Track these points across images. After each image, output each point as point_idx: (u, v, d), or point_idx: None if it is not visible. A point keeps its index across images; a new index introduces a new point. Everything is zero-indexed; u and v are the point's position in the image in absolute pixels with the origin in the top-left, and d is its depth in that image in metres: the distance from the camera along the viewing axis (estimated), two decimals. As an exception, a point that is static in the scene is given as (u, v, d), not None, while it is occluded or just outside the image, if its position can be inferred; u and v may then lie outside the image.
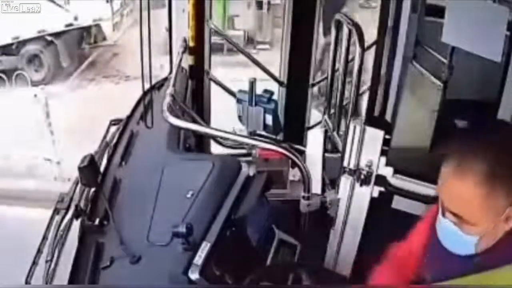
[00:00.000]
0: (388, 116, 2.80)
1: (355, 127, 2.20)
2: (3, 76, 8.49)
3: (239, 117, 2.69)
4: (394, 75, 2.76)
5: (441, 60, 2.73)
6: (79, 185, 1.90)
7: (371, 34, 2.42)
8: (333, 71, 2.89)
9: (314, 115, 3.22)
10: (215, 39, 2.91)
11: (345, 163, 2.26)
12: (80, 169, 1.71)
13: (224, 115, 2.82)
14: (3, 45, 8.70)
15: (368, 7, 11.75)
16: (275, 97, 2.56)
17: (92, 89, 8.90)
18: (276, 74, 2.98)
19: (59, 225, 1.79)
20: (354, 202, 2.28)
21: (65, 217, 1.81)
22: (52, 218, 1.83)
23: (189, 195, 1.74)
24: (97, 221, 1.79)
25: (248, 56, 3.07)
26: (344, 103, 2.61)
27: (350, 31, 2.57)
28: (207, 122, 2.73)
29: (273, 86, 2.63)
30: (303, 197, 2.04)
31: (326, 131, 2.95)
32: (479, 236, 1.19)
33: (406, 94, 2.78)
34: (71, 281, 1.62)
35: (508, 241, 1.19)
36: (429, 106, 2.80)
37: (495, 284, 1.18)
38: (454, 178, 1.16)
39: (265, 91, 2.57)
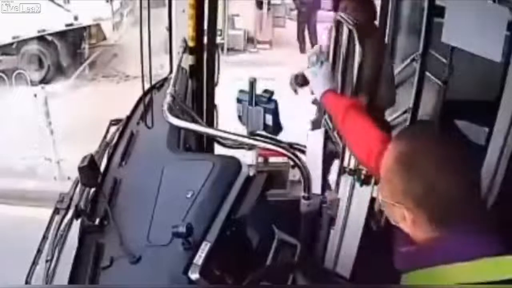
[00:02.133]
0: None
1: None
2: (3, 75, 8.49)
3: (239, 117, 2.69)
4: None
5: (441, 60, 2.74)
6: (79, 185, 1.90)
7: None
8: (333, 71, 2.89)
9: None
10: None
11: (345, 163, 2.26)
12: (80, 169, 1.71)
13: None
14: (3, 45, 8.70)
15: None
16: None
17: (92, 89, 8.90)
18: (274, 75, 2.97)
19: (59, 225, 1.79)
20: (354, 202, 2.28)
21: (65, 217, 1.81)
22: (52, 218, 1.83)
23: (189, 195, 1.73)
24: (97, 221, 1.79)
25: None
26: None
27: (350, 31, 2.57)
28: (211, 123, 2.73)
29: (273, 86, 2.63)
30: (303, 197, 2.04)
31: (326, 131, 2.96)
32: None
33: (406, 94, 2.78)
34: (71, 281, 1.62)
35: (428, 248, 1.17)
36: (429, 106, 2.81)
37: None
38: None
39: (265, 91, 2.57)
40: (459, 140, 1.23)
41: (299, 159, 1.97)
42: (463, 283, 1.11)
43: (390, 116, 2.81)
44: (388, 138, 1.61)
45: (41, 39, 8.84)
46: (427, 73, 2.60)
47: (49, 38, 8.90)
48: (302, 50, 9.49)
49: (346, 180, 2.27)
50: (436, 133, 1.27)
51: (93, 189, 1.89)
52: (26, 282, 1.68)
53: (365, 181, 2.24)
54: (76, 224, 1.83)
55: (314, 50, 2.04)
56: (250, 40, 10.25)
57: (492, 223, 1.19)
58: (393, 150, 1.19)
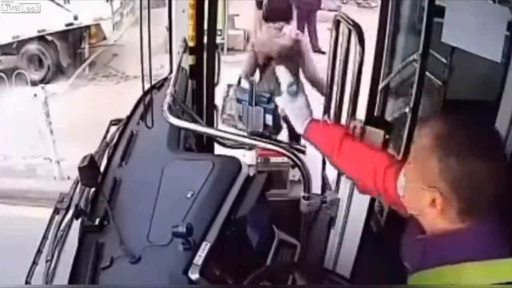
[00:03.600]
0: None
1: (355, 127, 2.20)
2: (3, 75, 8.48)
3: (239, 117, 2.69)
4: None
5: (441, 60, 2.73)
6: (79, 185, 1.90)
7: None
8: (333, 71, 2.89)
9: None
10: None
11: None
12: (80, 169, 1.71)
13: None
14: (3, 45, 8.69)
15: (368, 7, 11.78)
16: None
17: (92, 89, 8.89)
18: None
19: (59, 225, 1.79)
20: (354, 202, 2.28)
21: (65, 217, 1.81)
22: (52, 218, 1.83)
23: (189, 195, 1.74)
24: (97, 221, 1.79)
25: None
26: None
27: (350, 31, 2.57)
28: (211, 123, 2.73)
29: (273, 86, 2.63)
30: (303, 197, 2.04)
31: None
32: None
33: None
34: (71, 281, 1.62)
35: (452, 239, 1.16)
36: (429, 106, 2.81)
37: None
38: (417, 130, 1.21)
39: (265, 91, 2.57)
40: (496, 131, 1.20)
41: (299, 159, 1.97)
42: (492, 284, 1.09)
43: (390, 116, 2.81)
44: (388, 154, 1.61)
45: (41, 39, 8.83)
46: (427, 73, 2.60)
47: (49, 38, 8.88)
48: (302, 50, 9.48)
49: (346, 180, 2.27)
50: (474, 119, 1.21)
51: (93, 189, 1.89)
52: (26, 282, 1.68)
53: (365, 181, 2.24)
54: (76, 224, 1.83)
55: (287, 76, 1.74)
56: (250, 40, 10.24)
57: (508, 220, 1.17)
58: (430, 131, 1.15)
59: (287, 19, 4.20)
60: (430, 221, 1.19)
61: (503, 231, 1.15)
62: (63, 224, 1.80)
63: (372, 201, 2.27)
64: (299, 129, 1.70)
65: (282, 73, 1.72)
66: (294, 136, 2.49)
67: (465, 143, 1.10)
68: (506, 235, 1.14)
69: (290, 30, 4.30)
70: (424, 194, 1.14)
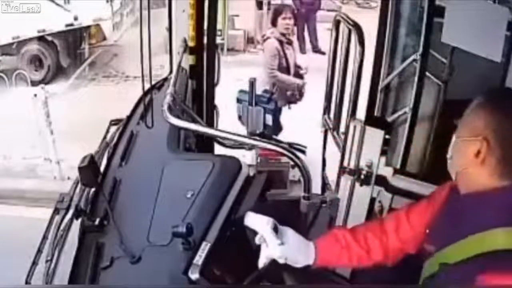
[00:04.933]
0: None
1: (355, 127, 2.20)
2: (3, 75, 8.48)
3: (239, 117, 2.69)
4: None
5: (441, 60, 2.73)
6: (79, 185, 1.90)
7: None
8: (333, 71, 2.89)
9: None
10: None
11: (345, 163, 2.26)
12: (80, 169, 1.70)
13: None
14: (3, 45, 8.69)
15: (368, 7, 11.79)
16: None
17: (92, 89, 8.89)
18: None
19: (59, 225, 1.79)
20: (354, 202, 2.28)
21: (65, 217, 1.81)
22: (52, 218, 1.83)
23: (189, 195, 1.74)
24: (97, 221, 1.78)
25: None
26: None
27: (350, 31, 2.57)
28: (211, 123, 2.73)
29: (273, 86, 2.63)
30: (303, 197, 2.04)
31: (326, 131, 2.96)
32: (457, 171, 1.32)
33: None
34: (71, 281, 1.62)
35: (488, 198, 1.25)
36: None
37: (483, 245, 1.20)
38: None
39: (265, 91, 2.58)
40: None
41: (299, 159, 1.97)
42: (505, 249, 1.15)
43: (390, 116, 2.81)
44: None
45: (41, 39, 8.83)
46: (427, 73, 2.60)
47: (49, 38, 8.88)
48: (302, 50, 9.48)
49: (346, 180, 2.27)
50: None
51: (93, 189, 1.89)
52: (26, 282, 1.68)
53: (365, 181, 2.24)
54: (76, 224, 1.83)
55: (261, 221, 1.48)
56: (250, 40, 10.25)
57: None
58: (478, 98, 1.31)
59: None
60: (471, 177, 1.28)
61: None
62: (63, 224, 1.80)
63: (372, 201, 2.27)
64: (309, 261, 1.50)
65: (254, 221, 1.50)
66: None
67: (510, 102, 1.28)
68: None
69: None
70: (470, 145, 1.26)
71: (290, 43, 4.98)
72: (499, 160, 1.23)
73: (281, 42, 4.83)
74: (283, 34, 4.85)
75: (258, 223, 1.48)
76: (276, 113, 2.60)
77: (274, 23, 4.92)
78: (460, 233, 1.25)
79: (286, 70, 4.91)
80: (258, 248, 1.59)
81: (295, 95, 5.01)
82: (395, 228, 1.52)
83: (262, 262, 1.47)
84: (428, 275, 1.36)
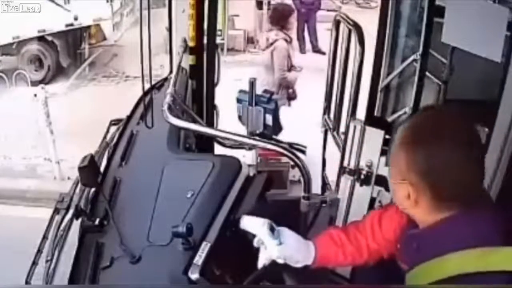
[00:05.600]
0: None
1: (355, 127, 2.20)
2: (3, 75, 8.48)
3: (239, 117, 2.69)
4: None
5: (441, 60, 2.73)
6: (79, 185, 1.90)
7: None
8: (333, 71, 2.89)
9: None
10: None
11: (345, 163, 2.26)
12: (80, 169, 1.70)
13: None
14: (3, 45, 8.69)
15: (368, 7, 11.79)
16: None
17: (92, 89, 8.89)
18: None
19: (59, 225, 1.79)
20: (354, 202, 2.28)
21: (65, 217, 1.81)
22: (52, 218, 1.83)
23: (189, 195, 1.74)
24: (97, 221, 1.78)
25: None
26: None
27: (350, 31, 2.57)
28: (211, 123, 2.73)
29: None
30: (303, 197, 2.04)
31: (326, 131, 2.96)
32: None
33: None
34: (71, 281, 1.62)
35: (432, 232, 1.21)
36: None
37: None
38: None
39: (265, 91, 2.57)
40: (461, 115, 1.23)
41: (299, 159, 1.97)
42: (463, 273, 1.12)
43: (390, 116, 2.81)
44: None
45: (41, 39, 8.83)
46: (427, 73, 2.60)
47: (49, 38, 8.88)
48: (302, 50, 9.48)
49: (346, 180, 2.27)
50: (437, 110, 1.33)
51: (93, 189, 1.89)
52: (26, 282, 1.68)
53: (365, 181, 2.24)
54: (76, 224, 1.83)
55: (257, 223, 1.46)
56: (250, 40, 10.24)
57: (494, 208, 1.22)
58: (397, 137, 1.23)
59: None
60: (414, 216, 1.26)
61: (490, 219, 1.17)
62: (63, 224, 1.80)
63: (372, 201, 2.27)
64: (309, 260, 1.48)
65: (250, 223, 1.48)
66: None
67: (428, 133, 1.17)
68: (494, 223, 1.17)
69: None
70: (399, 189, 1.22)
71: (291, 42, 5.13)
72: (431, 198, 1.18)
73: (287, 42, 4.99)
74: (287, 35, 5.01)
75: (254, 225, 1.46)
76: (276, 113, 2.59)
77: (280, 24, 5.00)
78: (422, 257, 1.23)
79: (289, 69, 5.06)
80: (258, 248, 1.59)
81: (294, 91, 5.17)
82: (371, 230, 1.51)
83: (261, 263, 1.46)
84: None
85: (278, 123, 2.63)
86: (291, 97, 5.17)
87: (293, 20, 5.22)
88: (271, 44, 4.96)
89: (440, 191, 1.17)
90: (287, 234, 1.46)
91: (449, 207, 1.18)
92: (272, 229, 1.44)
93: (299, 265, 1.47)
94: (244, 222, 1.50)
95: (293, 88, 5.14)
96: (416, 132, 1.20)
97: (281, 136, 2.75)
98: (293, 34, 6.15)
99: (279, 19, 5.02)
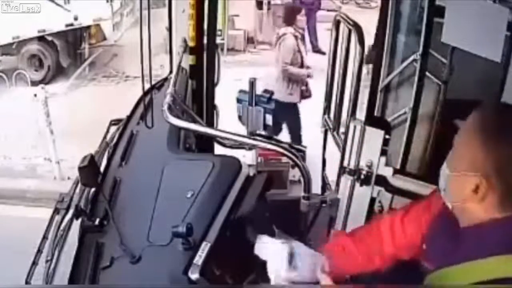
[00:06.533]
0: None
1: (355, 127, 2.20)
2: (3, 75, 8.48)
3: (239, 117, 2.69)
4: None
5: (441, 60, 2.73)
6: (79, 185, 1.90)
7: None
8: (333, 71, 2.89)
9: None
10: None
11: (345, 163, 2.26)
12: (80, 169, 1.70)
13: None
14: (3, 45, 8.69)
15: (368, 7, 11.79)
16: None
17: (92, 89, 8.89)
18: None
19: (59, 225, 1.79)
20: (354, 202, 2.28)
21: (65, 217, 1.81)
22: (52, 218, 1.83)
23: (189, 195, 1.73)
24: (97, 221, 1.78)
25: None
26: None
27: (350, 31, 2.57)
28: (211, 123, 2.73)
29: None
30: (303, 197, 2.04)
31: (326, 131, 2.96)
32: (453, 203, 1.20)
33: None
34: (71, 281, 1.62)
35: (489, 228, 1.15)
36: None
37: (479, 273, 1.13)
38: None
39: (265, 91, 2.57)
40: None
41: (299, 159, 1.97)
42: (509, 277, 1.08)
43: (390, 116, 2.81)
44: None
45: (41, 39, 8.83)
46: (427, 73, 2.60)
47: (49, 38, 8.88)
48: (302, 50, 9.49)
49: (346, 180, 2.27)
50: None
51: (93, 189, 1.89)
52: (26, 282, 1.68)
53: (365, 181, 2.24)
54: (76, 224, 1.83)
55: (280, 260, 1.39)
56: (250, 40, 10.24)
57: None
58: (475, 120, 1.14)
59: None
60: (469, 211, 1.17)
61: None
62: (63, 224, 1.80)
63: (372, 201, 2.27)
64: (325, 281, 1.40)
65: (267, 252, 1.42)
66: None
67: (510, 128, 1.09)
68: None
69: None
70: (467, 181, 1.12)
71: (303, 39, 5.26)
72: (501, 195, 1.11)
73: (296, 38, 5.16)
74: (297, 31, 5.22)
75: (273, 258, 1.39)
76: (276, 113, 2.59)
77: (289, 21, 5.26)
78: (458, 258, 1.17)
79: (301, 65, 5.19)
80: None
81: (308, 90, 5.27)
82: (391, 235, 1.47)
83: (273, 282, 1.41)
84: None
85: (278, 123, 2.63)
86: (305, 95, 5.24)
87: (302, 18, 5.48)
88: (279, 38, 5.19)
89: None
90: (303, 255, 1.39)
91: (511, 207, 1.12)
92: (291, 257, 1.36)
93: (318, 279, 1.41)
94: (261, 250, 1.43)
95: (306, 86, 5.22)
96: (500, 120, 1.10)
97: (281, 136, 2.75)
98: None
99: (289, 16, 5.26)
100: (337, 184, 2.33)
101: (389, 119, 2.56)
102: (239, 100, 2.64)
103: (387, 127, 2.20)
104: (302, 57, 5.18)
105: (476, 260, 1.13)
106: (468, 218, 1.19)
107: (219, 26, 6.01)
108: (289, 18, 5.28)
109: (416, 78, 2.41)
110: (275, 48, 5.34)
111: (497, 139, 1.09)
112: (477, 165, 1.10)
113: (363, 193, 2.25)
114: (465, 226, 1.20)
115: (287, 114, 4.92)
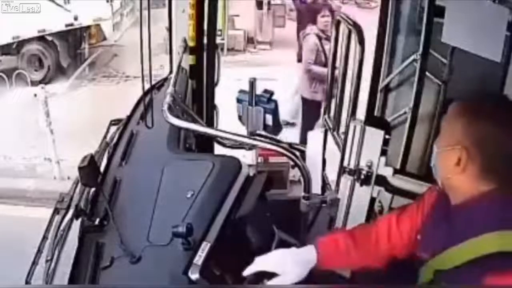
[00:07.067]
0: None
1: (355, 127, 2.20)
2: (3, 75, 8.48)
3: (239, 117, 2.69)
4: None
5: (441, 60, 2.73)
6: (79, 185, 1.90)
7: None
8: (333, 71, 2.90)
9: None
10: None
11: (345, 163, 2.26)
12: (80, 169, 1.70)
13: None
14: (3, 45, 8.69)
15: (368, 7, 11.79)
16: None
17: (92, 89, 8.89)
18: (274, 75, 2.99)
19: (59, 225, 1.79)
20: (354, 202, 2.28)
21: (65, 217, 1.81)
22: (52, 218, 1.83)
23: (189, 195, 1.74)
24: (97, 221, 1.79)
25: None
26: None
27: (350, 31, 2.57)
28: (211, 123, 2.73)
29: (273, 86, 2.63)
30: (303, 197, 2.04)
31: (326, 131, 2.96)
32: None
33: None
34: (71, 281, 1.62)
35: (476, 205, 1.24)
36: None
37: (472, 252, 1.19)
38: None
39: (265, 91, 2.57)
40: None
41: (299, 159, 1.97)
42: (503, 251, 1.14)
43: (390, 116, 2.81)
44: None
45: (41, 39, 8.83)
46: (427, 73, 2.60)
47: (49, 38, 8.88)
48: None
49: (346, 180, 2.27)
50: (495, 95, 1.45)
51: (93, 189, 1.89)
52: (26, 282, 1.68)
53: (365, 181, 2.24)
54: (76, 224, 1.83)
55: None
56: (250, 40, 10.25)
57: None
58: (458, 104, 1.31)
59: None
60: (456, 186, 1.28)
61: None
62: (63, 224, 1.80)
63: (372, 201, 2.27)
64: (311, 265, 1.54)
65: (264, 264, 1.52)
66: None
67: (488, 108, 1.25)
68: None
69: None
70: (450, 154, 1.25)
71: (328, 39, 5.33)
72: (481, 167, 1.23)
73: (319, 38, 5.26)
74: (322, 31, 5.29)
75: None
76: (276, 113, 2.59)
77: (313, 21, 5.41)
78: (452, 240, 1.24)
79: (324, 65, 5.21)
80: (258, 248, 1.59)
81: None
82: (387, 234, 1.53)
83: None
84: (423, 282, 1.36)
85: (278, 123, 2.63)
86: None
87: (329, 19, 5.47)
88: (304, 37, 5.38)
89: (491, 161, 1.21)
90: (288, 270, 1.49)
91: (493, 180, 1.22)
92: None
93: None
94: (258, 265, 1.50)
95: None
96: (479, 102, 1.28)
97: (281, 136, 2.75)
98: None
99: (310, 15, 5.40)
100: (337, 184, 2.33)
101: (389, 119, 2.56)
102: (239, 100, 2.63)
103: (387, 127, 2.20)
104: (326, 57, 5.23)
105: (469, 239, 1.20)
106: (456, 193, 1.29)
107: (219, 26, 6.02)
108: (312, 18, 5.44)
109: (416, 78, 2.41)
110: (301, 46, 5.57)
111: (475, 116, 1.24)
112: (458, 139, 1.24)
113: (363, 193, 2.25)
114: (455, 203, 1.30)
115: (311, 111, 5.10)
